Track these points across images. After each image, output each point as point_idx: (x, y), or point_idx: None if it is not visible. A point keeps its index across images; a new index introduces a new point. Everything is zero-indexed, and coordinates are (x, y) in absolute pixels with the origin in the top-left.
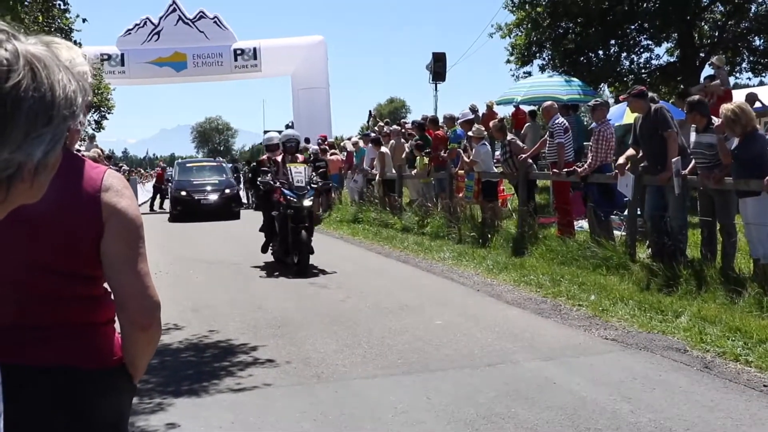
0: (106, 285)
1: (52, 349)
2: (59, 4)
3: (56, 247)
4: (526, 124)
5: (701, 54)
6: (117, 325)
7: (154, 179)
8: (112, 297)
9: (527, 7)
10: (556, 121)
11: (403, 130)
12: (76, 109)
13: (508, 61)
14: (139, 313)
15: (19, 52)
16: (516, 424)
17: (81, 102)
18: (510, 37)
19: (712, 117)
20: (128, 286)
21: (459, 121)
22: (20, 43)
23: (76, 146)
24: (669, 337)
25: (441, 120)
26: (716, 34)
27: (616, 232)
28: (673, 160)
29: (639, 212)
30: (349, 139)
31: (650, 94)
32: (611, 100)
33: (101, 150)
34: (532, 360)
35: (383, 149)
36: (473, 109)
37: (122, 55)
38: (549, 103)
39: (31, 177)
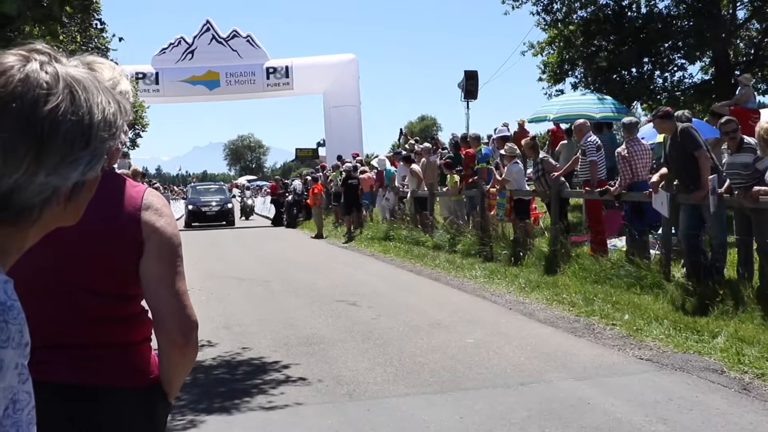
0: (143, 303)
1: (89, 367)
2: (96, 24)
3: (96, 267)
4: (561, 143)
5: (736, 72)
6: (153, 343)
7: (269, 192)
8: (150, 315)
9: (560, 26)
10: (589, 140)
11: (436, 147)
12: (116, 131)
13: (540, 79)
14: (177, 332)
15: (59, 75)
16: None
17: (121, 123)
18: (542, 55)
19: (745, 137)
20: (166, 305)
21: (493, 137)
22: (61, 65)
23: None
24: (705, 357)
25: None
26: (752, 51)
27: (651, 251)
28: (710, 177)
29: (674, 231)
30: (376, 157)
31: (682, 112)
32: (643, 119)
33: (137, 168)
34: (566, 380)
35: (414, 167)
36: (507, 127)
37: (157, 73)
38: (581, 121)
39: (66, 200)
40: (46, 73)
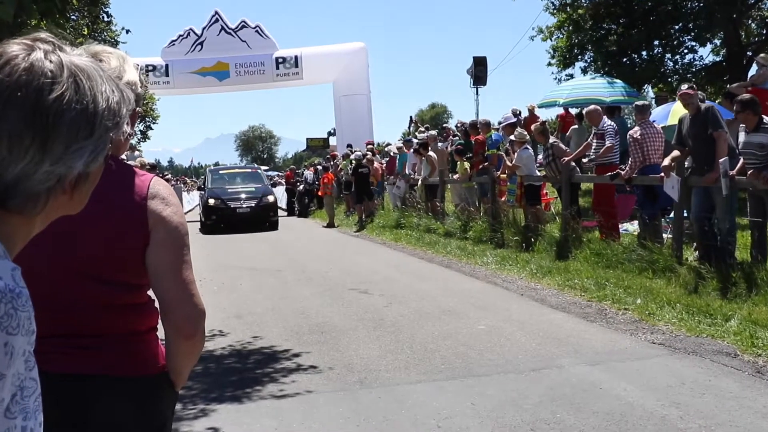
0: (149, 292)
1: (96, 357)
2: (103, 17)
3: (102, 255)
4: (572, 127)
5: (748, 53)
6: (159, 333)
7: (285, 180)
8: (156, 305)
9: (568, 9)
10: (606, 124)
11: (445, 134)
12: (119, 119)
13: (550, 64)
14: (184, 321)
15: (63, 64)
16: (562, 429)
17: (125, 112)
18: (551, 40)
19: (763, 116)
20: (173, 295)
21: (501, 125)
22: (65, 54)
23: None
24: (718, 341)
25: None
26: (764, 31)
27: (664, 235)
28: (721, 160)
29: (685, 214)
30: (387, 145)
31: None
32: (654, 102)
33: (144, 159)
34: (578, 365)
35: (431, 153)
36: (514, 113)
37: (167, 65)
38: (594, 107)
39: (71, 189)
40: (51, 61)
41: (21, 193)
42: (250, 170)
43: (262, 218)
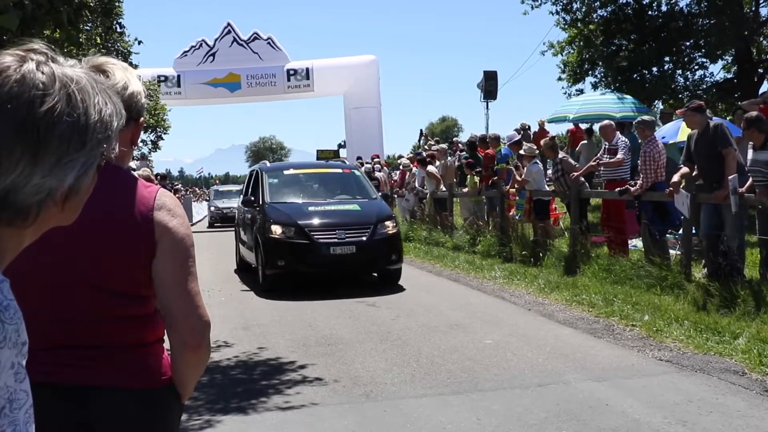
0: (155, 304)
1: (103, 369)
2: (116, 27)
3: (109, 266)
4: (582, 142)
5: (760, 70)
6: (165, 344)
7: None
8: (163, 315)
9: (579, 25)
10: (621, 139)
11: (453, 148)
12: (110, 133)
13: (560, 79)
14: (190, 332)
15: (55, 75)
16: None
17: (117, 125)
18: (562, 55)
19: None
20: (179, 306)
21: (506, 144)
22: (58, 66)
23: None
24: (726, 359)
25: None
26: None
27: (671, 251)
28: (730, 178)
29: (694, 231)
30: (400, 158)
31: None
32: (658, 119)
33: (151, 169)
34: (584, 381)
35: (430, 168)
36: (523, 128)
37: (178, 76)
38: (607, 122)
39: (62, 202)
40: (43, 73)
41: (11, 205)
42: (339, 170)
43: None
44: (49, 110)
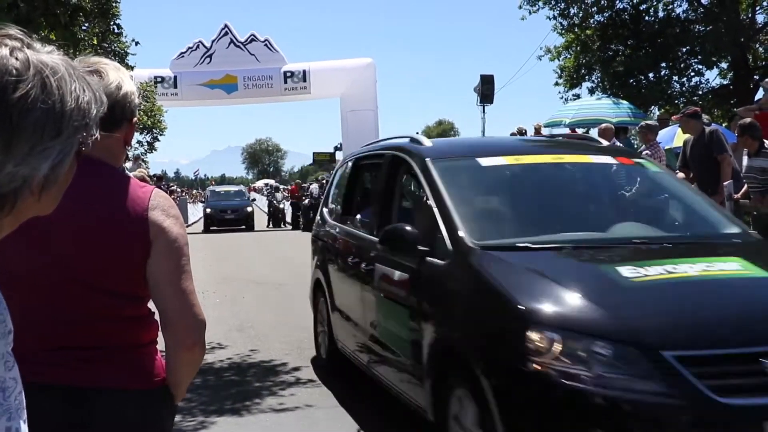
0: (149, 305)
1: (98, 370)
2: (113, 28)
3: (104, 266)
4: None
5: (755, 76)
6: (159, 345)
7: (289, 194)
8: (157, 317)
9: (576, 30)
10: (617, 144)
11: None
12: (89, 120)
13: (557, 84)
14: (185, 331)
15: (30, 61)
16: None
17: (95, 113)
18: (559, 60)
19: (765, 140)
20: (174, 305)
21: None
22: (33, 52)
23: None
24: None
25: None
26: None
27: None
28: (725, 183)
29: None
30: None
31: (704, 116)
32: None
33: (147, 171)
34: None
35: None
36: (520, 132)
37: (175, 77)
38: (607, 125)
39: (38, 191)
40: (17, 59)
41: None
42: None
43: None
44: (23, 97)
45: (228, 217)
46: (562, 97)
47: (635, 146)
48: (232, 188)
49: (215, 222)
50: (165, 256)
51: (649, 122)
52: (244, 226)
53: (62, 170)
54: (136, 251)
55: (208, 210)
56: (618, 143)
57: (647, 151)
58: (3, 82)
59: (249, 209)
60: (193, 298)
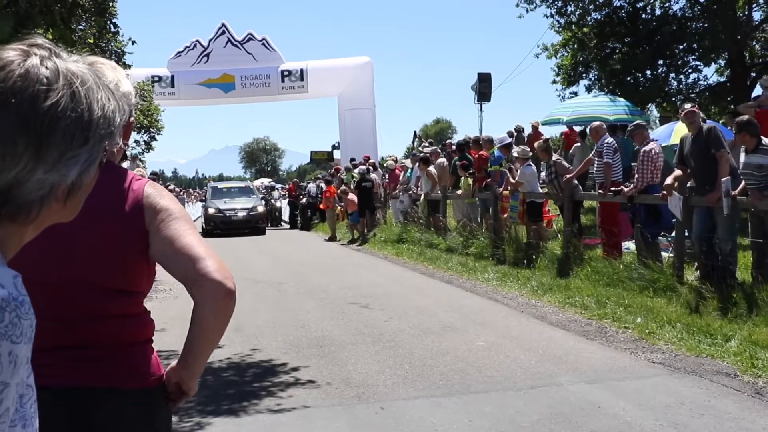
0: (144, 304)
1: (96, 369)
2: (110, 27)
3: (104, 262)
4: (575, 145)
5: (752, 74)
6: (155, 345)
7: (287, 193)
8: (152, 316)
9: (574, 28)
10: (606, 141)
11: (447, 150)
12: (113, 129)
13: (554, 81)
14: (216, 271)
15: (59, 71)
16: None
17: (119, 122)
18: (556, 58)
19: (762, 137)
20: (192, 262)
21: (497, 146)
22: (62, 61)
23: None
24: (718, 361)
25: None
26: None
27: (664, 254)
28: (723, 180)
29: (687, 233)
30: (389, 157)
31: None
32: (657, 122)
33: (144, 170)
34: (577, 383)
35: (431, 169)
36: (517, 129)
37: (172, 76)
38: (598, 123)
39: (64, 197)
40: (47, 68)
41: (13, 200)
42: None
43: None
44: (53, 105)
45: (235, 219)
46: (559, 95)
47: (634, 144)
48: (238, 184)
49: (218, 225)
50: (166, 225)
51: (638, 123)
52: (248, 230)
53: (88, 177)
54: (134, 244)
55: (210, 210)
56: (607, 141)
57: (642, 149)
58: (34, 91)
59: (260, 209)
60: (208, 250)
